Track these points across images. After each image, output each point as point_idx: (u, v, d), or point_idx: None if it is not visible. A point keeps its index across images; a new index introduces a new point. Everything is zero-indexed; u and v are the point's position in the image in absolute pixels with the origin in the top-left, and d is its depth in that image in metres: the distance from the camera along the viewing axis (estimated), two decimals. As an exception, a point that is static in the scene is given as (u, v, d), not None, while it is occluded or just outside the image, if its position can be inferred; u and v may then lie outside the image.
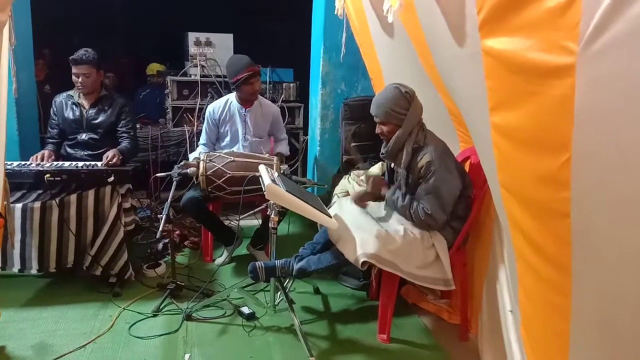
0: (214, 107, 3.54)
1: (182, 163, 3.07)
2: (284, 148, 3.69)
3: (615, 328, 1.33)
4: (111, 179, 2.88)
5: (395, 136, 2.42)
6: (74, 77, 3.22)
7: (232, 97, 3.55)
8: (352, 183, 3.34)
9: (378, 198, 2.66)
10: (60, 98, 3.37)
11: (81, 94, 3.33)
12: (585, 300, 1.35)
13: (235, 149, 3.50)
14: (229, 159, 3.01)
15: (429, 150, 2.38)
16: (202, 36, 4.50)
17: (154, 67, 5.19)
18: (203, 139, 3.58)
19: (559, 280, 1.39)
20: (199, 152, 3.39)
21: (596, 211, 1.24)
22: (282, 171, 2.95)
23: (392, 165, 2.61)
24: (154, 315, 2.70)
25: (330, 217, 2.43)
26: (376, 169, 3.45)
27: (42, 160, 3.08)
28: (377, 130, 2.51)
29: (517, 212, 1.53)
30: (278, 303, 2.66)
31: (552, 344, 1.51)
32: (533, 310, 1.61)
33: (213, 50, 4.52)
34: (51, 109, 3.37)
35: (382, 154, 2.55)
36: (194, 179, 3.03)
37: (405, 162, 2.42)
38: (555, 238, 1.37)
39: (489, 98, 1.53)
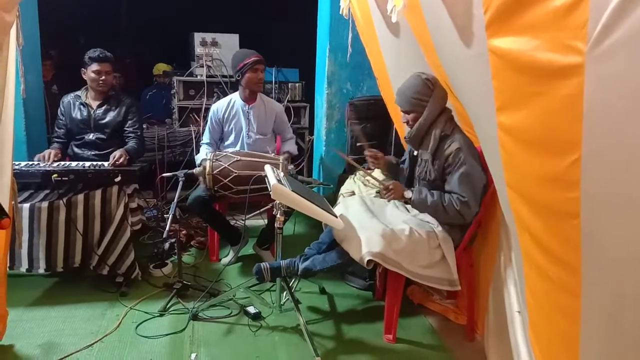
0: (218, 107, 3.54)
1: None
2: (292, 147, 3.68)
3: (626, 330, 1.32)
4: (118, 179, 2.89)
5: (419, 122, 2.41)
6: (93, 75, 3.24)
7: (235, 96, 3.55)
8: (357, 183, 3.33)
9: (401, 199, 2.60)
10: (68, 98, 3.39)
11: (89, 95, 3.36)
12: (595, 302, 1.34)
13: (238, 146, 3.50)
14: (235, 158, 3.02)
15: (456, 139, 2.37)
16: (208, 36, 4.52)
17: (160, 67, 5.21)
18: (206, 138, 3.58)
19: (568, 282, 1.38)
20: (205, 153, 3.39)
21: (607, 211, 1.23)
22: (289, 171, 2.95)
23: (415, 152, 2.59)
24: (161, 315, 2.71)
25: (335, 216, 2.43)
26: (378, 171, 3.44)
27: (48, 158, 3.09)
28: (403, 120, 2.50)
29: (525, 213, 1.52)
30: (284, 303, 2.67)
31: (561, 346, 1.50)
32: (541, 312, 1.60)
33: (219, 50, 4.54)
34: (59, 109, 3.40)
35: (405, 138, 2.53)
36: (201, 178, 3.04)
37: (432, 147, 2.41)
38: (564, 239, 1.36)
39: (496, 98, 1.52)
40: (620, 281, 1.28)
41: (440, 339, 2.62)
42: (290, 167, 3.09)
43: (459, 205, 2.34)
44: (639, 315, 1.28)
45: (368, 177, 3.38)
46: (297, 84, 4.84)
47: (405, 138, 2.55)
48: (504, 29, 1.41)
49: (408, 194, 2.47)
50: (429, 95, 2.37)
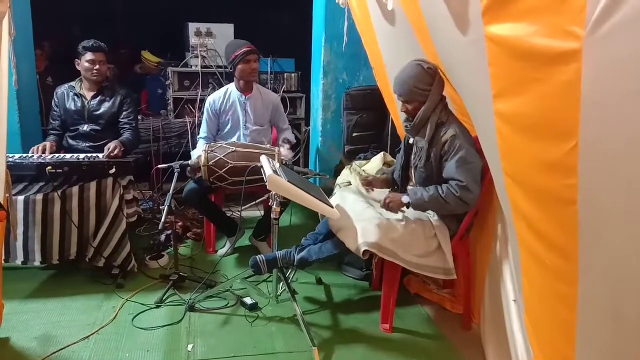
0: (214, 99, 3.51)
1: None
2: (290, 135, 3.65)
3: (623, 317, 1.32)
4: (113, 170, 2.87)
5: (421, 112, 2.39)
6: (87, 65, 3.22)
7: (231, 87, 3.52)
8: (354, 174, 3.33)
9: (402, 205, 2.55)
10: (62, 89, 3.37)
11: (83, 85, 3.34)
12: (592, 290, 1.34)
13: (236, 137, 3.48)
14: (231, 150, 3.00)
15: (452, 127, 2.36)
16: (203, 27, 4.47)
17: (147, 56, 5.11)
18: (204, 131, 3.54)
19: (564, 269, 1.38)
20: (201, 149, 3.34)
21: (604, 198, 1.22)
22: (287, 161, 2.94)
23: (411, 140, 2.58)
24: (157, 307, 2.71)
25: (332, 207, 2.42)
26: (377, 160, 3.43)
27: (44, 152, 3.07)
28: (402, 109, 2.47)
29: (522, 201, 1.51)
30: (281, 294, 2.66)
31: (558, 334, 1.50)
32: (537, 300, 1.60)
33: (214, 41, 4.49)
34: (53, 101, 3.37)
35: (406, 127, 2.51)
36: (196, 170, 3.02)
37: (429, 135, 2.39)
38: (561, 226, 1.35)
39: (493, 85, 1.51)
40: (617, 269, 1.28)
41: (437, 328, 2.62)
42: (291, 154, 3.10)
43: (459, 191, 2.29)
44: (636, 302, 1.27)
45: (364, 168, 3.38)
46: (293, 75, 4.80)
47: (405, 128, 2.53)
48: (500, 15, 1.40)
49: (405, 199, 2.45)
50: (431, 85, 2.35)
